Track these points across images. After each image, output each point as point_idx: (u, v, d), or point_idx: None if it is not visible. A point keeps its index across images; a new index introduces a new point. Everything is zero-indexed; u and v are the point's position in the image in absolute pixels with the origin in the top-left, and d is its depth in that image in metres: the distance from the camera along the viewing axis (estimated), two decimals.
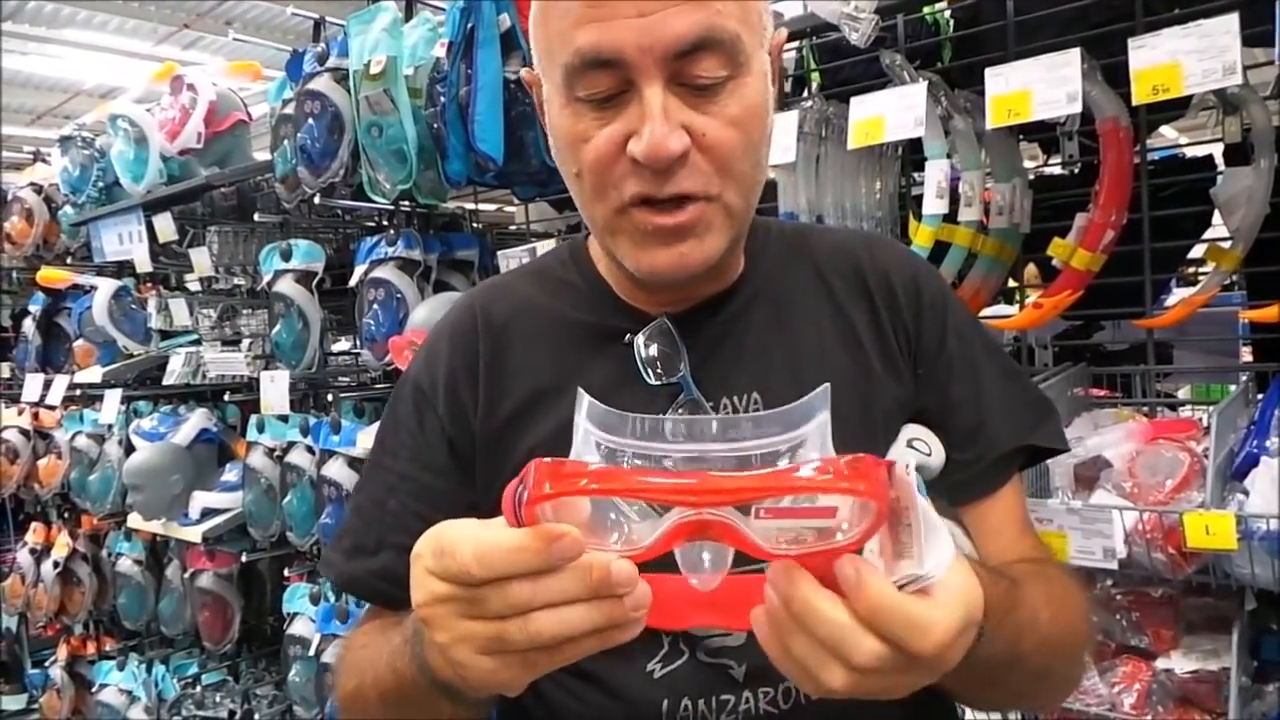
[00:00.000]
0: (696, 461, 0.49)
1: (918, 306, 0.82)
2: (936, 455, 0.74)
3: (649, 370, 0.77)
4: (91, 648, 3.48)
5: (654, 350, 0.76)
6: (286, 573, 2.58)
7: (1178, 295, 1.80)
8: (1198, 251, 1.64)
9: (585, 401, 0.52)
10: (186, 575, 2.85)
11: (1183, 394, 2.05)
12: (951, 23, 1.74)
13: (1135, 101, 1.16)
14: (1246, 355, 1.89)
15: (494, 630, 0.48)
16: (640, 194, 0.68)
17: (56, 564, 3.35)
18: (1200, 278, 1.61)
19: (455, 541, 0.49)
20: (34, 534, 3.59)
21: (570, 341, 0.82)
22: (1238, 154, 1.54)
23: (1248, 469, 1.20)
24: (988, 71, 1.28)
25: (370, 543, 0.82)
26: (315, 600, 2.33)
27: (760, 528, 0.47)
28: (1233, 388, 1.66)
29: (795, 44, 1.87)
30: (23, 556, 3.59)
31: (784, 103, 1.85)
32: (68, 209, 3.30)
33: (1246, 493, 1.17)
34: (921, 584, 0.46)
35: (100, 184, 3.04)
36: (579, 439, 0.51)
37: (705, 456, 0.49)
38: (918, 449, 0.76)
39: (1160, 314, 1.48)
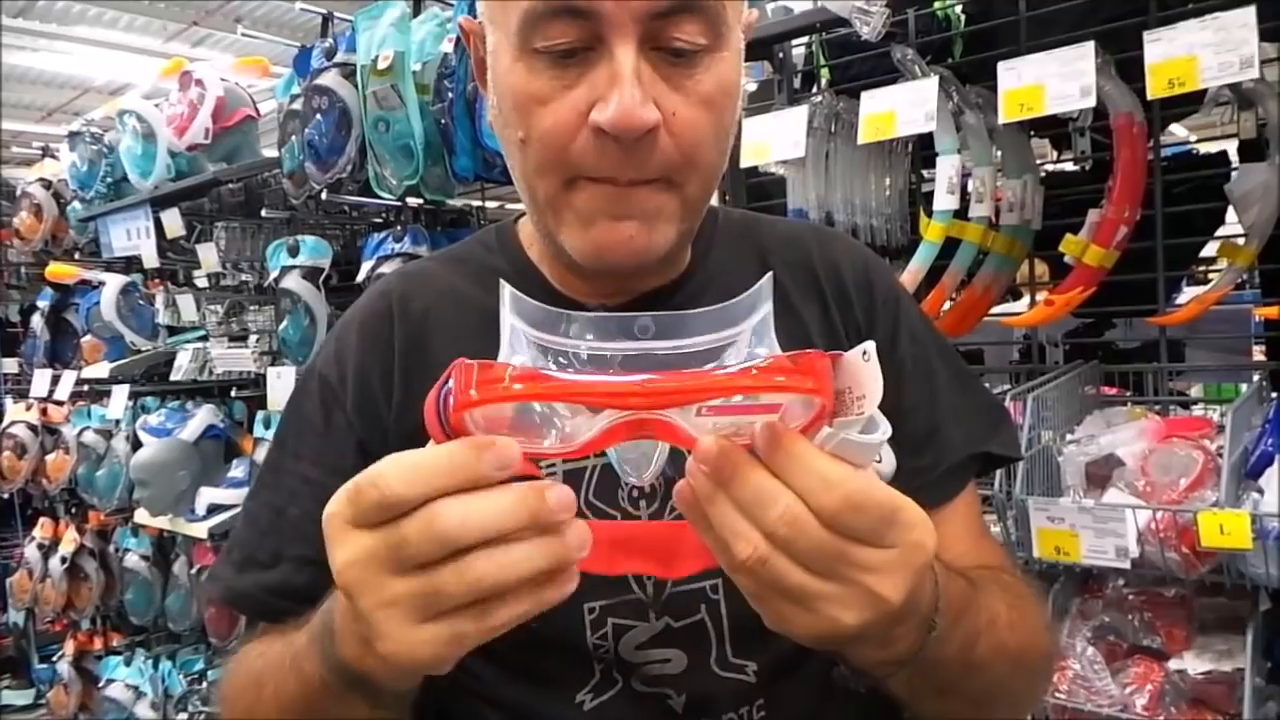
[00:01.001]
0: (635, 360, 0.46)
1: (870, 303, 0.78)
2: (887, 462, 0.68)
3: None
4: (98, 643, 3.49)
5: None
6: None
7: (1188, 294, 1.78)
8: (1210, 249, 1.63)
9: (509, 294, 0.47)
10: (193, 571, 2.85)
11: (1195, 392, 2.04)
12: (963, 18, 1.72)
13: (1150, 95, 1.15)
14: (1259, 353, 1.88)
15: (425, 584, 0.42)
16: (598, 172, 0.62)
17: (64, 559, 3.36)
18: (1211, 276, 1.59)
19: (376, 471, 0.43)
20: (41, 529, 3.60)
21: (497, 334, 0.75)
22: (1252, 150, 1.53)
23: (1262, 468, 1.18)
24: (1000, 65, 1.26)
25: (265, 555, 0.73)
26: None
27: (701, 424, 0.45)
28: (1246, 386, 1.65)
29: (805, 39, 1.86)
30: (30, 551, 3.60)
31: (794, 99, 1.84)
32: (76, 204, 3.30)
33: (1261, 492, 1.16)
34: (843, 446, 0.44)
35: (109, 180, 3.05)
36: (506, 336, 0.47)
37: (645, 354, 0.46)
38: None
39: (1172, 312, 1.46)
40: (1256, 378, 1.55)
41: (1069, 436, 1.37)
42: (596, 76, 0.60)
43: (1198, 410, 1.69)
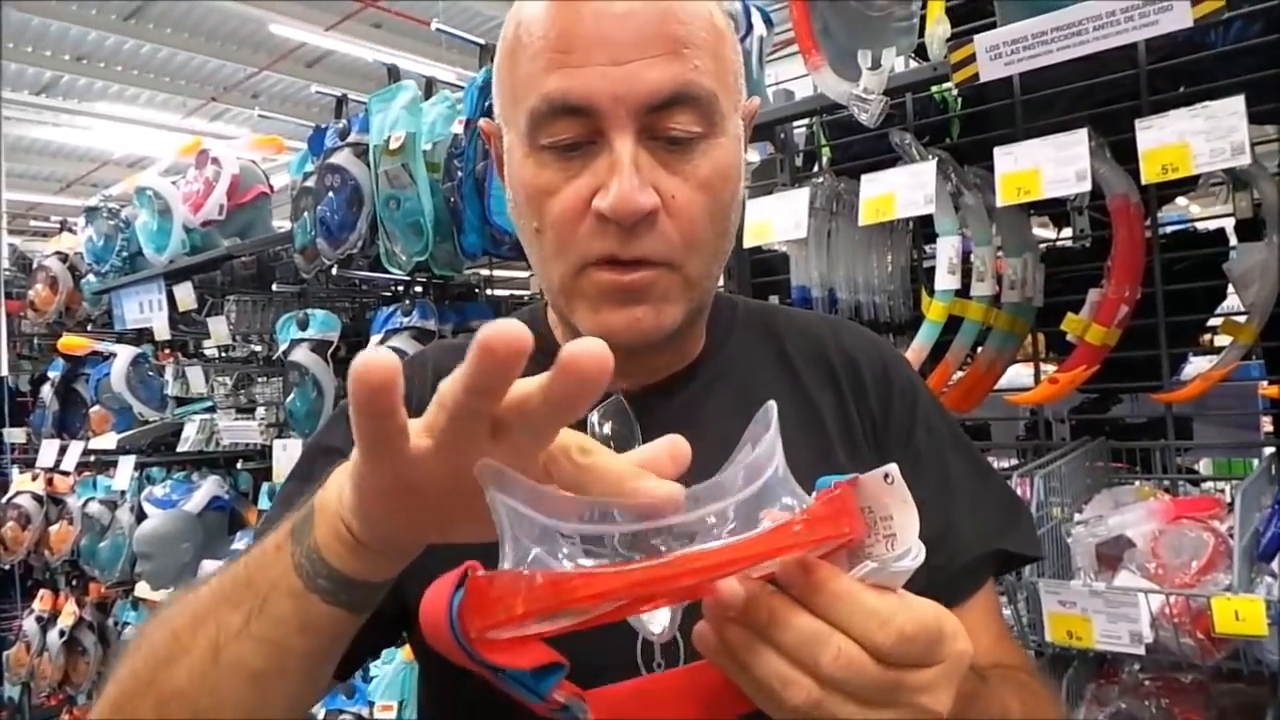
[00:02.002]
0: (657, 535, 0.40)
1: (887, 394, 0.79)
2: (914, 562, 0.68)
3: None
4: None
5: (607, 429, 0.70)
6: None
7: (1195, 364, 1.78)
8: (1214, 323, 1.64)
9: (506, 475, 0.41)
10: None
11: (1203, 467, 2.02)
12: (960, 100, 1.77)
13: (1144, 181, 1.17)
14: (1268, 425, 1.87)
15: None
16: (604, 253, 0.65)
17: (63, 632, 3.33)
18: (1218, 345, 1.60)
19: None
20: (41, 601, 3.57)
21: None
22: (1250, 228, 1.55)
23: (1275, 550, 1.17)
24: (997, 150, 1.29)
25: None
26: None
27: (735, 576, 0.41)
28: (1255, 462, 1.64)
29: (806, 120, 1.90)
30: (29, 624, 3.57)
31: (796, 178, 1.87)
32: (91, 277, 3.36)
33: (1275, 575, 1.14)
34: (881, 576, 0.43)
35: (124, 254, 3.11)
36: (505, 522, 0.40)
37: (658, 530, 0.39)
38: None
39: (1178, 387, 1.46)
40: (1268, 452, 1.54)
41: (1078, 517, 1.35)
42: (598, 166, 0.63)
43: (1207, 486, 1.68)
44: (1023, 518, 0.82)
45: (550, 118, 0.63)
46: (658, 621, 0.46)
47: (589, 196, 0.63)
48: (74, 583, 3.56)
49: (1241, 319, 1.37)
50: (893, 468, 0.43)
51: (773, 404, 0.44)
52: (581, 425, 0.72)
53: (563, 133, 0.63)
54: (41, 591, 3.62)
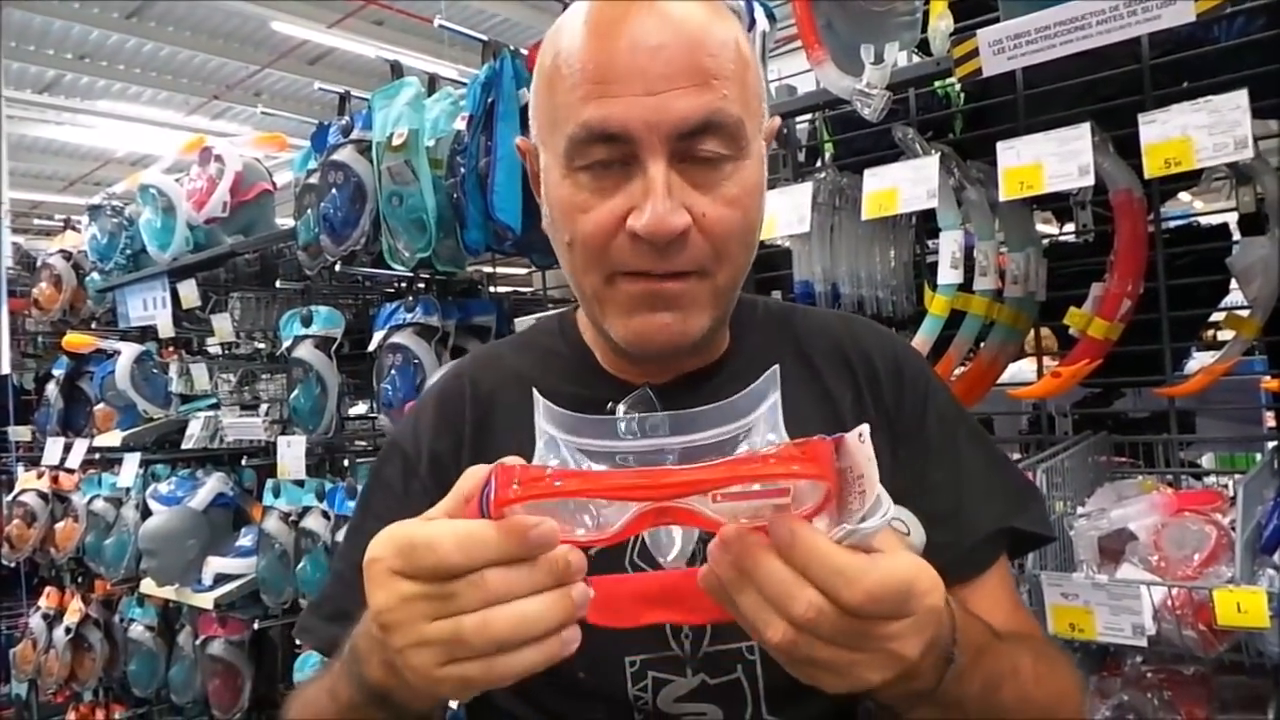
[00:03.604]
0: (654, 454, 0.52)
1: (899, 387, 0.82)
2: (916, 535, 0.73)
3: (631, 435, 0.77)
4: (100, 715, 3.44)
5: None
6: (299, 643, 2.55)
7: (1198, 359, 1.78)
8: (1217, 318, 1.64)
9: (542, 405, 0.55)
10: (198, 642, 2.82)
11: (1206, 461, 2.02)
12: (962, 95, 1.77)
13: (1147, 175, 1.17)
14: (1270, 419, 1.87)
15: (453, 633, 0.49)
16: (637, 268, 0.69)
17: (69, 630, 3.33)
18: (1222, 339, 1.60)
19: (431, 536, 0.50)
20: (47, 599, 3.58)
21: None
22: (1252, 222, 1.55)
23: (1277, 543, 1.17)
24: (1000, 145, 1.29)
25: (353, 607, 0.78)
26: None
27: (718, 509, 0.50)
28: (1258, 456, 1.64)
29: (809, 116, 1.90)
30: (35, 621, 3.58)
31: (798, 172, 1.88)
32: (95, 275, 3.37)
33: (1277, 567, 1.15)
34: (855, 537, 0.49)
35: (128, 251, 3.12)
36: (540, 442, 0.54)
37: (662, 450, 0.52)
38: (895, 528, 0.75)
39: (1180, 382, 1.46)
40: (1271, 446, 1.54)
41: (1080, 510, 1.36)
42: (633, 188, 0.68)
43: (1211, 480, 1.68)
44: (1035, 500, 0.85)
45: (588, 143, 0.68)
46: (673, 548, 0.56)
47: (623, 215, 0.68)
48: (79, 580, 3.57)
49: (1244, 313, 1.38)
50: (864, 427, 0.50)
51: (775, 368, 0.53)
52: (612, 414, 0.76)
53: (599, 156, 0.68)
54: (47, 589, 3.63)
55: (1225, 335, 1.44)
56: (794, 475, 0.48)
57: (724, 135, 0.68)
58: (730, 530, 0.49)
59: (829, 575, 0.48)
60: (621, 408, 0.77)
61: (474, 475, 0.54)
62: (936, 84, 1.71)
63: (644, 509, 0.50)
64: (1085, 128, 1.23)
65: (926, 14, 1.35)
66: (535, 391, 0.56)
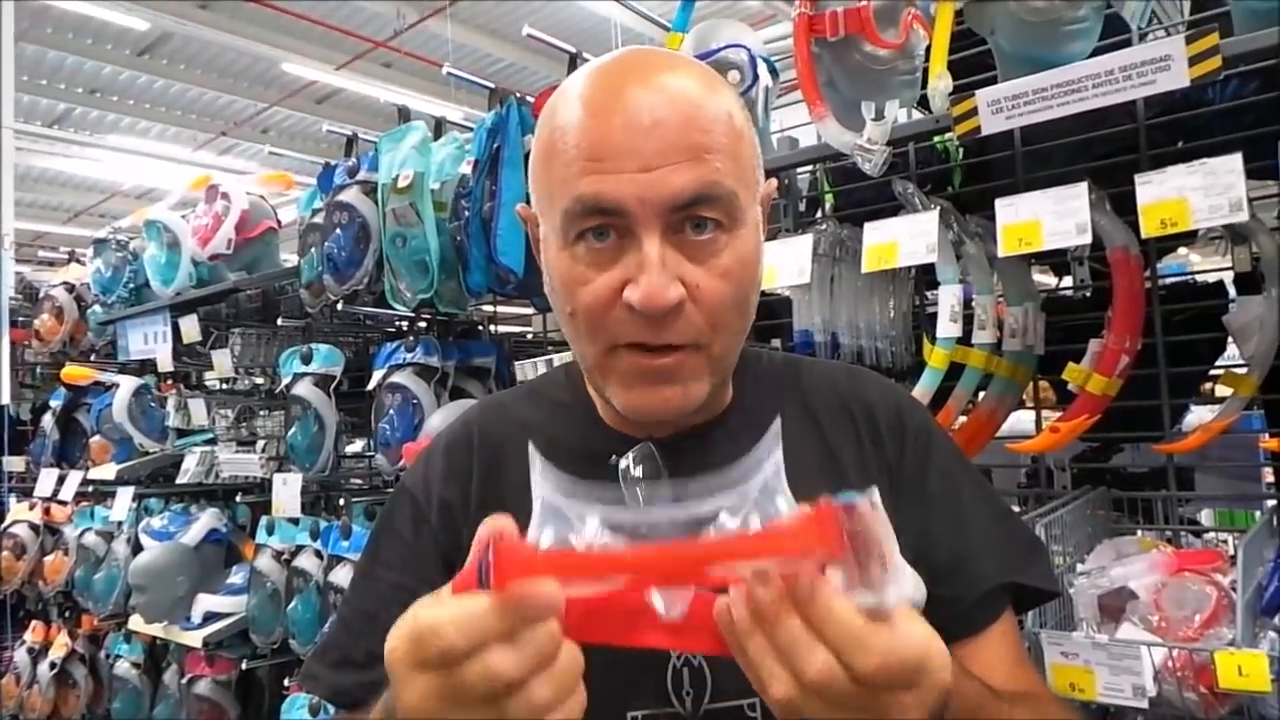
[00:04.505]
0: (659, 528, 0.50)
1: (901, 440, 0.83)
2: (917, 592, 0.71)
3: (632, 494, 0.77)
4: None
5: (639, 472, 0.77)
6: (287, 682, 2.51)
7: (1197, 413, 1.79)
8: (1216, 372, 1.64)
9: (539, 464, 0.54)
10: (184, 681, 2.78)
11: (1205, 517, 2.01)
12: (961, 150, 1.79)
13: (1144, 234, 1.19)
14: (1269, 477, 1.87)
15: (493, 712, 0.49)
16: (634, 339, 0.70)
17: (53, 665, 3.29)
18: (1218, 394, 1.60)
19: (434, 621, 0.49)
20: (33, 633, 3.54)
21: (558, 463, 0.81)
22: (1248, 281, 1.56)
23: (1278, 605, 1.16)
24: (998, 202, 1.31)
25: (359, 655, 0.80)
26: (315, 712, 2.27)
27: (725, 569, 0.49)
28: (1258, 514, 1.63)
29: (810, 168, 1.93)
30: (20, 656, 3.53)
31: (799, 223, 1.90)
32: (97, 308, 3.38)
33: (1279, 630, 1.13)
34: (879, 611, 0.48)
35: (131, 285, 3.13)
36: (537, 506, 0.53)
37: (668, 522, 0.50)
38: None
39: (1179, 438, 1.46)
40: (1270, 505, 1.54)
41: (1080, 567, 1.35)
42: (628, 261, 0.69)
43: (1209, 537, 1.67)
44: (1040, 555, 0.85)
45: (583, 217, 0.69)
46: (663, 606, 0.53)
47: (619, 287, 0.69)
48: (66, 614, 3.53)
49: (1242, 371, 1.38)
50: (873, 491, 0.49)
51: (777, 423, 0.53)
52: (615, 469, 0.77)
53: (594, 230, 0.69)
54: (34, 623, 3.59)
55: (1223, 391, 1.45)
56: (805, 550, 0.47)
57: (717, 207, 0.69)
58: (755, 572, 0.49)
59: (845, 640, 0.47)
60: (626, 461, 0.77)
61: (490, 527, 0.53)
62: (936, 139, 1.74)
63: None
64: (1083, 186, 1.25)
65: (926, 72, 1.37)
66: (531, 447, 0.56)
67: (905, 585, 0.48)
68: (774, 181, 0.81)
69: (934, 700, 0.51)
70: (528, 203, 0.81)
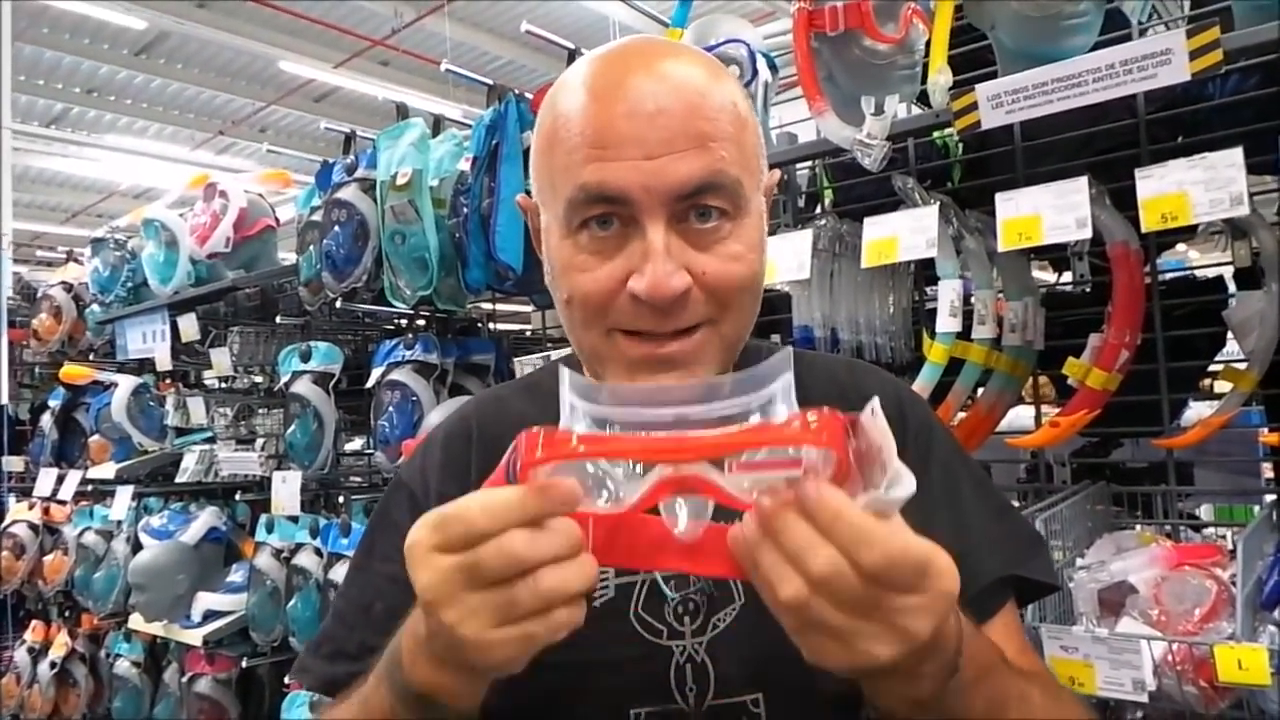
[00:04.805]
0: (674, 425, 0.53)
1: (902, 433, 0.81)
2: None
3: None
4: None
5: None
6: (287, 680, 2.51)
7: (1196, 409, 1.79)
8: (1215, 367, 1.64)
9: (567, 376, 0.56)
10: (184, 679, 2.78)
11: (1204, 512, 2.02)
12: (961, 145, 1.79)
13: (1144, 229, 1.19)
14: (1268, 472, 1.87)
15: (502, 596, 0.51)
16: (637, 328, 0.70)
17: (54, 664, 3.29)
18: (1218, 389, 1.61)
19: (459, 506, 0.52)
20: (33, 632, 3.54)
21: None
22: (1248, 276, 1.56)
23: (1277, 599, 1.16)
24: (998, 196, 1.31)
25: (353, 647, 0.79)
26: (316, 709, 2.26)
27: (734, 481, 0.52)
28: (1257, 508, 1.63)
29: (809, 163, 1.93)
30: (20, 655, 3.53)
31: (798, 218, 1.89)
32: (95, 307, 3.38)
33: (1278, 624, 1.14)
34: (879, 505, 0.49)
35: (129, 284, 3.13)
36: (565, 412, 0.55)
37: (681, 419, 0.53)
38: None
39: (1179, 433, 1.47)
40: (1270, 500, 1.54)
41: (1080, 561, 1.35)
42: (632, 250, 0.69)
43: (1208, 531, 1.67)
44: (1040, 549, 0.85)
45: (587, 205, 0.68)
46: (686, 521, 0.56)
47: (623, 277, 0.68)
48: (66, 614, 3.53)
49: (1242, 366, 1.38)
50: (875, 402, 0.52)
51: (789, 349, 0.55)
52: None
53: (598, 218, 0.69)
54: (34, 622, 3.58)
55: (1223, 386, 1.45)
56: (808, 442, 0.50)
57: (722, 195, 0.69)
58: (766, 501, 0.51)
59: (850, 535, 0.49)
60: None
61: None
62: (936, 134, 1.74)
63: (663, 478, 0.52)
64: (1083, 181, 1.25)
65: (926, 66, 1.37)
66: (561, 366, 0.58)
67: (906, 484, 0.50)
68: (777, 172, 0.81)
69: (944, 617, 0.51)
70: (527, 192, 0.80)
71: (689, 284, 0.68)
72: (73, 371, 3.45)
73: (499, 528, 0.51)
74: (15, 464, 3.99)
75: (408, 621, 0.61)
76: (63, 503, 3.42)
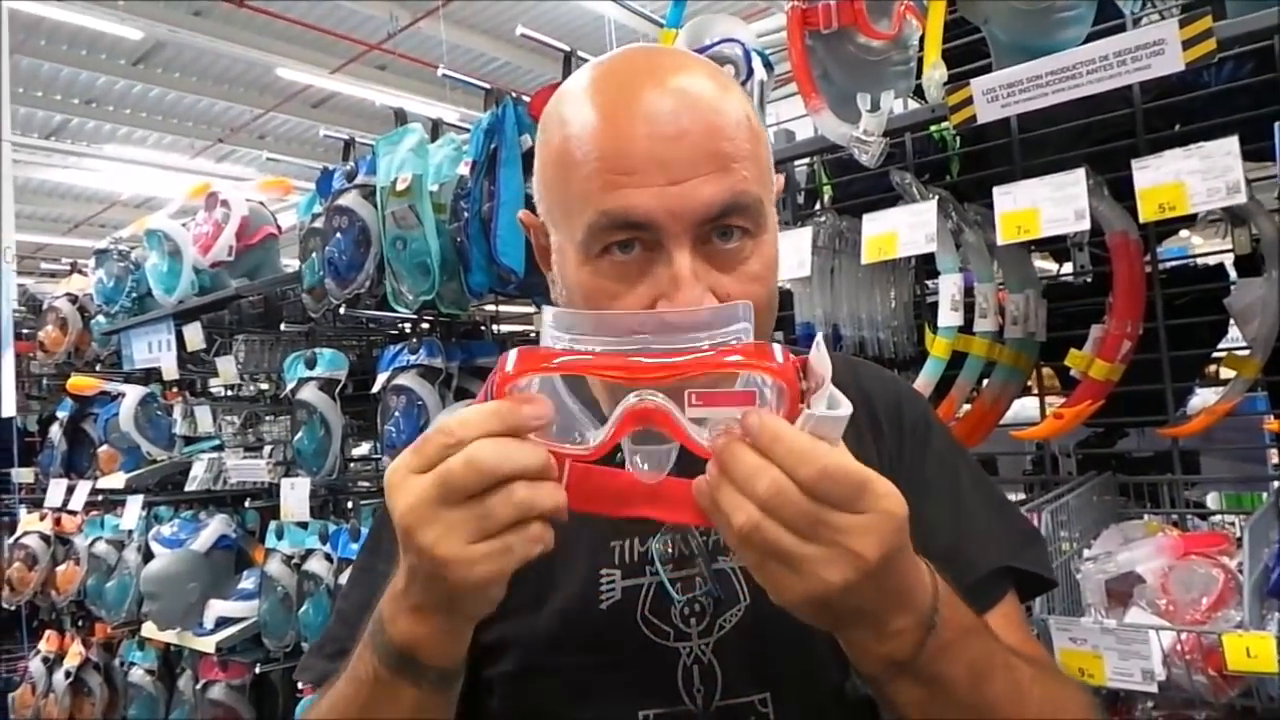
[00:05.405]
0: (639, 353, 0.57)
1: (899, 431, 0.83)
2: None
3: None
4: None
5: (644, 466, 0.76)
6: (300, 685, 2.53)
7: (1202, 396, 1.79)
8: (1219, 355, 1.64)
9: (548, 310, 0.60)
10: (198, 686, 2.80)
11: (1211, 500, 2.01)
12: (958, 139, 1.79)
13: (1142, 219, 1.19)
14: (1275, 458, 1.87)
15: (478, 510, 0.53)
16: None
17: (68, 673, 3.31)
18: (1223, 375, 1.60)
19: (437, 424, 0.54)
20: (47, 642, 3.55)
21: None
22: (1249, 263, 1.56)
23: None
24: (996, 190, 1.31)
25: (355, 646, 0.78)
26: None
27: (694, 415, 0.56)
28: (1264, 495, 1.63)
29: (807, 160, 1.93)
30: (35, 665, 3.55)
31: (797, 215, 1.90)
32: (100, 318, 3.39)
33: None
34: (813, 422, 0.53)
35: (133, 295, 3.14)
36: (546, 342, 0.59)
37: (647, 348, 0.57)
38: None
39: (1183, 421, 1.47)
40: (1276, 486, 1.54)
41: (1087, 552, 1.35)
42: (658, 274, 0.68)
43: (1215, 520, 1.67)
44: (1037, 543, 0.85)
45: (609, 231, 0.67)
46: (652, 467, 0.60)
47: (649, 303, 0.68)
48: (80, 623, 3.54)
49: (1244, 353, 1.38)
50: (819, 337, 0.57)
51: (749, 304, 0.59)
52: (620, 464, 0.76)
53: (621, 244, 0.68)
54: (48, 632, 3.60)
55: (1227, 373, 1.45)
56: (756, 366, 0.54)
57: (745, 215, 0.68)
58: (724, 440, 0.54)
59: (790, 455, 0.52)
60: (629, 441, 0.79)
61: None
62: (932, 128, 1.74)
63: (627, 408, 0.56)
64: (1080, 173, 1.25)
65: (920, 62, 1.37)
66: (544, 306, 0.61)
67: (842, 405, 0.54)
68: (782, 178, 0.81)
69: (888, 540, 0.53)
70: (527, 202, 0.80)
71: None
72: (80, 382, 3.47)
73: (473, 436, 0.53)
74: (26, 475, 4.01)
75: (389, 585, 0.62)
76: (73, 513, 3.43)
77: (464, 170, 2.04)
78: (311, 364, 2.47)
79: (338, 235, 2.21)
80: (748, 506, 0.52)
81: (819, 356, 0.55)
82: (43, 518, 3.56)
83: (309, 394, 2.44)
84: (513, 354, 0.56)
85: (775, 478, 0.52)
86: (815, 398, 0.55)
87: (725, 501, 0.53)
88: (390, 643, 0.60)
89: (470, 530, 0.54)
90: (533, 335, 3.08)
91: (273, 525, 2.56)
